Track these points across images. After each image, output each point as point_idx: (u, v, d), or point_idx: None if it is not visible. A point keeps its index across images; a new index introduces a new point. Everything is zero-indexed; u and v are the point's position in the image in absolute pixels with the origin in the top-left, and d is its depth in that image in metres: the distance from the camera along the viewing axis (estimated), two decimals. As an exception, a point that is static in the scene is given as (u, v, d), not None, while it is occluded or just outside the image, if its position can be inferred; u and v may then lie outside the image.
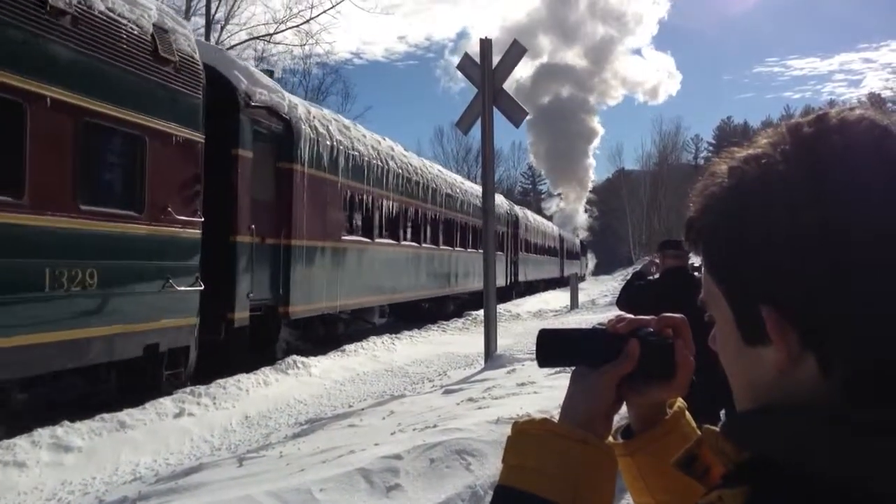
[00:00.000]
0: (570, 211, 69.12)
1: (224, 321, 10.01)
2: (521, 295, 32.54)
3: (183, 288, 8.70)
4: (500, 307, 19.61)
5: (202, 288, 9.04)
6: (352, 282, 14.17)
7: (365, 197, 15.12)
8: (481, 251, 22.53)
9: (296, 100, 12.83)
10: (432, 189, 19.83)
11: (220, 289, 9.66)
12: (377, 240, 15.86)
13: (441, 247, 21.02)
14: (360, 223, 15.22)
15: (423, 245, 19.36)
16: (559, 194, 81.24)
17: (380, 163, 15.76)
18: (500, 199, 27.94)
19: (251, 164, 10.60)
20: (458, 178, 24.47)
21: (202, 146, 9.20)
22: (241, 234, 10.33)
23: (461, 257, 23.32)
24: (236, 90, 10.38)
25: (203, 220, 9.18)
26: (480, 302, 22.62)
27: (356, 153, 14.43)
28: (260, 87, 10.97)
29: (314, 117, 12.88)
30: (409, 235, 18.47)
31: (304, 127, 12.09)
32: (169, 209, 8.47)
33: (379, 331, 15.41)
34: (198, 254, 9.09)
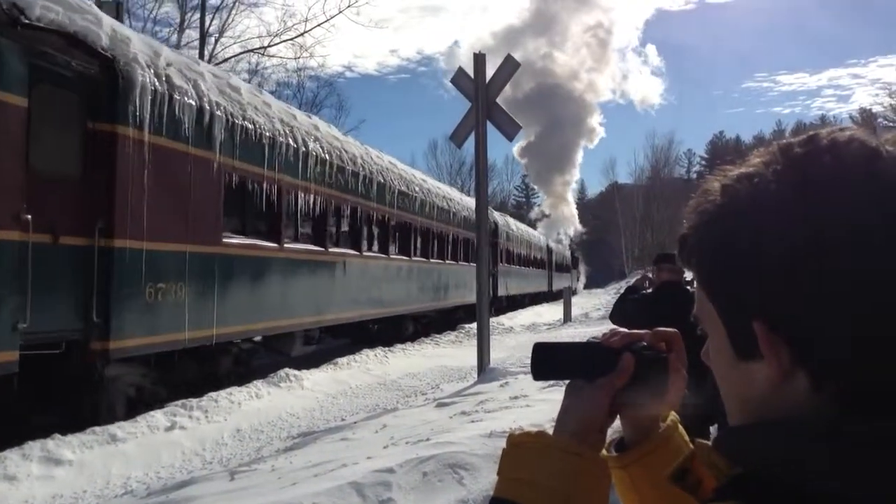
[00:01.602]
0: (556, 216, 67.14)
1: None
2: (501, 312, 28.73)
3: None
4: (493, 320, 19.59)
5: None
6: (247, 301, 10.39)
7: (268, 187, 10.93)
8: (452, 263, 21.61)
9: (129, 32, 8.75)
10: (378, 184, 15.62)
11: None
12: (290, 245, 11.87)
13: (392, 256, 16.93)
14: (259, 222, 11.24)
15: (366, 253, 15.23)
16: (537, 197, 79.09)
17: (292, 142, 11.65)
18: (474, 204, 25.52)
19: (24, 117, 6.83)
20: (419, 175, 20.21)
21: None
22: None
23: (422, 269, 19.14)
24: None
25: None
26: (449, 323, 21.57)
27: (249, 125, 10.32)
28: (52, 1, 7.19)
29: (168, 63, 8.92)
30: (344, 241, 14.43)
31: (140, 73, 8.14)
32: None
33: (371, 343, 15.19)
34: None
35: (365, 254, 15.12)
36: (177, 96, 8.74)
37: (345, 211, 14.06)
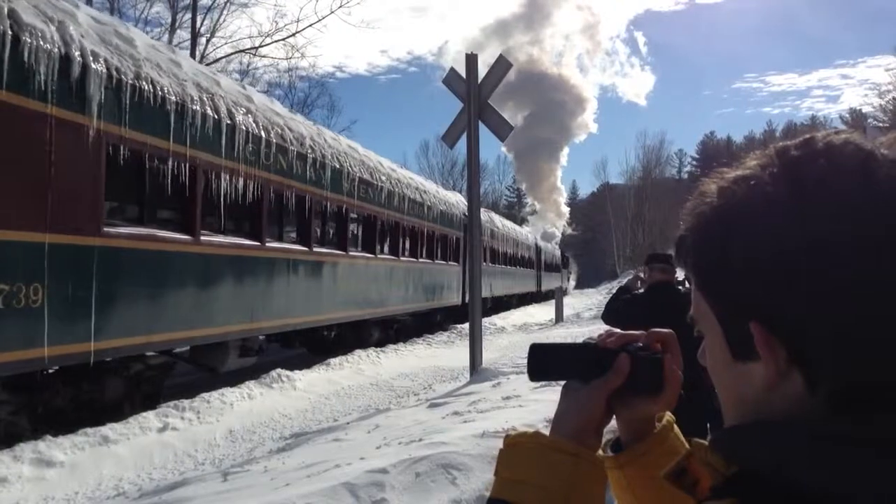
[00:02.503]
0: (544, 210, 65.71)
1: None
2: (484, 314, 24.56)
3: None
4: (485, 321, 19.56)
5: None
6: (147, 307, 8.28)
7: (176, 165, 8.71)
8: (427, 261, 19.60)
9: None
10: (334, 170, 13.30)
11: None
12: (211, 238, 9.65)
13: (351, 254, 14.62)
14: (164, 209, 9.13)
15: (318, 250, 12.94)
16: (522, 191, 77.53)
17: (212, 112, 9.45)
18: (455, 198, 23.63)
19: None
20: (388, 164, 17.67)
21: None
22: None
23: (390, 269, 16.85)
24: None
25: None
26: (425, 327, 19.88)
27: (146, 85, 8.10)
28: None
29: None
30: (289, 236, 12.29)
31: None
32: None
33: (363, 344, 15.18)
34: None
35: (316, 250, 12.83)
36: (27, 38, 6.65)
37: (288, 200, 11.70)
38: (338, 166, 13.52)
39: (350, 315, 14.44)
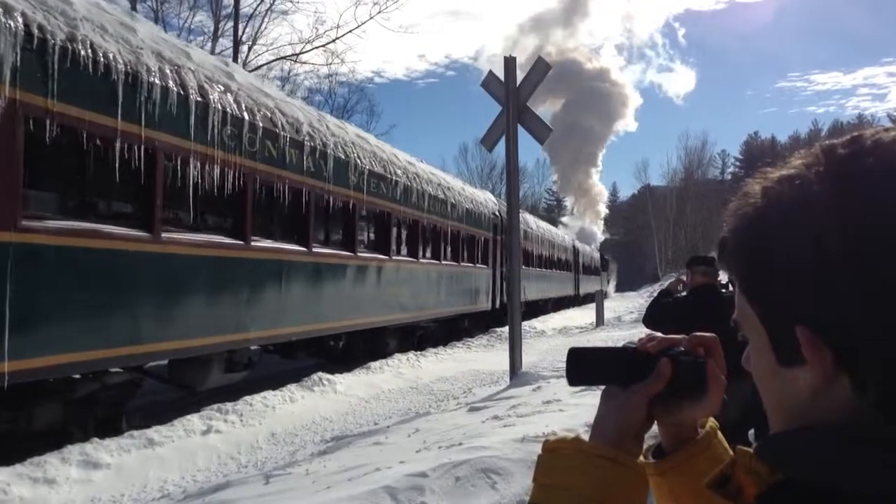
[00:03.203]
0: (582, 207, 63.85)
1: None
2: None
3: None
4: (525, 324, 19.42)
5: None
6: (91, 316, 6.90)
7: (127, 147, 7.19)
8: (451, 263, 17.70)
9: None
10: (338, 160, 11.75)
11: None
12: (175, 235, 8.08)
13: (360, 255, 12.85)
14: (115, 200, 7.72)
15: (318, 250, 11.35)
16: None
17: (177, 87, 7.94)
18: (483, 196, 22.09)
19: None
20: (405, 157, 16.01)
21: None
22: None
23: (409, 272, 15.16)
24: None
25: None
26: (453, 333, 18.24)
27: (83, 50, 6.71)
28: None
29: None
30: (280, 233, 10.64)
31: None
32: None
33: (403, 347, 15.21)
34: None
35: (315, 251, 11.19)
36: None
37: (280, 192, 10.11)
38: (342, 157, 11.93)
39: (359, 323, 12.88)
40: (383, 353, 14.09)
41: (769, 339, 0.67)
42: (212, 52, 25.94)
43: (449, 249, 18.10)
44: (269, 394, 9.52)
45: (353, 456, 6.11)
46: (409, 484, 4.46)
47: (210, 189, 8.50)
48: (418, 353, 14.97)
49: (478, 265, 20.52)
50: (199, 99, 8.25)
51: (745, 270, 0.69)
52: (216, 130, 8.53)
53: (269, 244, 10.03)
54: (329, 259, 11.81)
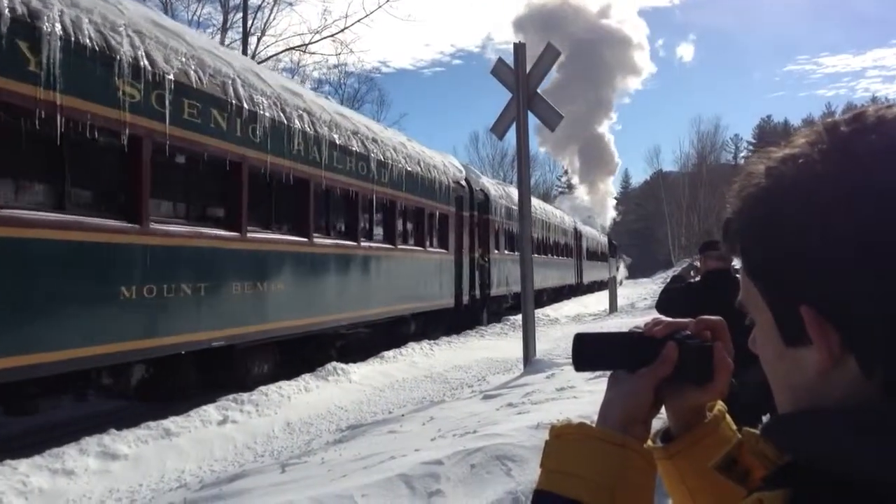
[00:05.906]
0: (588, 185, 60.70)
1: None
2: (496, 317, 20.68)
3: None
4: (538, 311, 19.43)
5: None
6: None
7: (24, 109, 5.97)
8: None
9: None
10: (292, 130, 10.02)
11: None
12: (85, 219, 6.70)
13: (316, 241, 10.88)
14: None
15: (253, 236, 9.30)
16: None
17: (97, 43, 6.65)
18: (442, 159, 17.60)
19: None
20: (374, 125, 13.94)
21: None
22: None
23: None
24: None
25: None
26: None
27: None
28: None
29: None
30: (209, 218, 8.88)
31: None
32: None
33: (416, 337, 15.23)
34: None
35: (251, 236, 9.19)
36: None
37: (220, 166, 8.53)
38: (297, 126, 10.10)
39: (314, 323, 10.77)
40: (322, 361, 11.02)
41: (774, 320, 0.67)
42: (221, 43, 25.99)
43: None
44: (284, 383, 9.57)
45: (368, 444, 6.14)
46: (424, 471, 4.48)
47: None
48: (432, 342, 15.00)
49: (431, 249, 16.03)
50: (130, 57, 6.98)
51: (749, 251, 0.68)
52: (144, 96, 7.20)
53: (168, 227, 7.81)
54: (282, 246, 10.05)
